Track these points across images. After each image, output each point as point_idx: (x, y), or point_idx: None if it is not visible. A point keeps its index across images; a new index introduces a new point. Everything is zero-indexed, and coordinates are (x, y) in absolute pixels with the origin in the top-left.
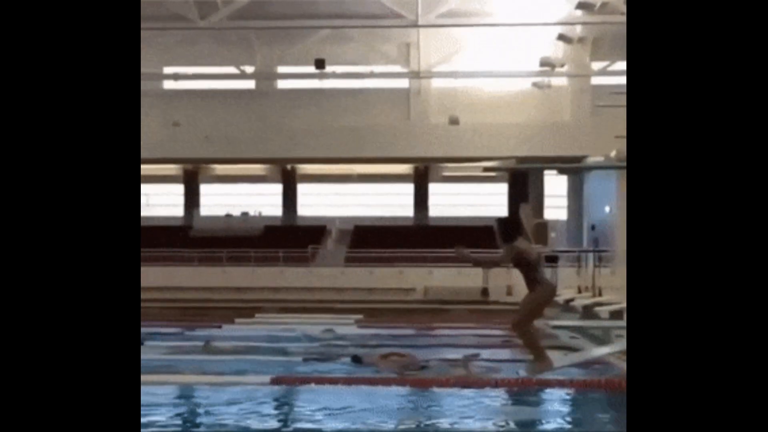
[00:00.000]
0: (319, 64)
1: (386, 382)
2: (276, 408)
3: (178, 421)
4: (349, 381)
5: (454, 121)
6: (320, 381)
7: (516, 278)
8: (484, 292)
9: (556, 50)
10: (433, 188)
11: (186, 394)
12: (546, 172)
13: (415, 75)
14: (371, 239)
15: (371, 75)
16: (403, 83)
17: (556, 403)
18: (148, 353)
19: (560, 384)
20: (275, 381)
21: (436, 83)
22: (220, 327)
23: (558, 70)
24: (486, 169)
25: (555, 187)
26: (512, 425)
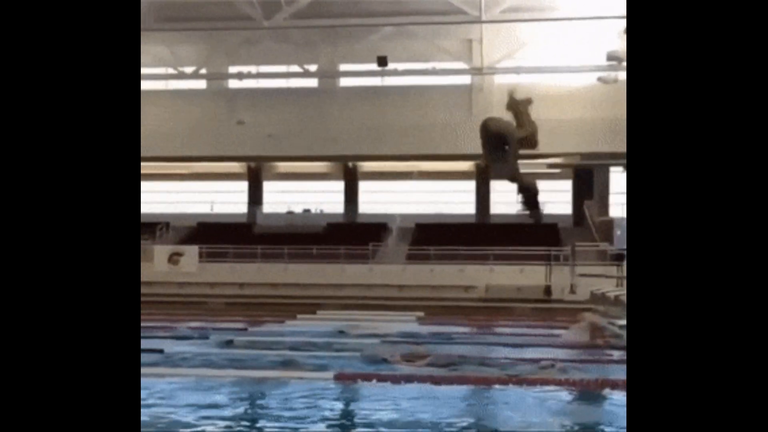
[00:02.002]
0: (382, 61)
1: (449, 380)
2: (338, 404)
3: (241, 418)
4: (410, 378)
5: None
6: (382, 378)
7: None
8: (547, 290)
9: (623, 44)
10: (495, 185)
11: (250, 389)
12: (611, 168)
13: (477, 71)
14: (432, 236)
15: (433, 72)
16: (466, 79)
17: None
18: (211, 347)
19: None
20: (338, 377)
21: (499, 79)
22: (282, 323)
23: (624, 64)
24: (550, 166)
25: (621, 184)
26: (576, 427)
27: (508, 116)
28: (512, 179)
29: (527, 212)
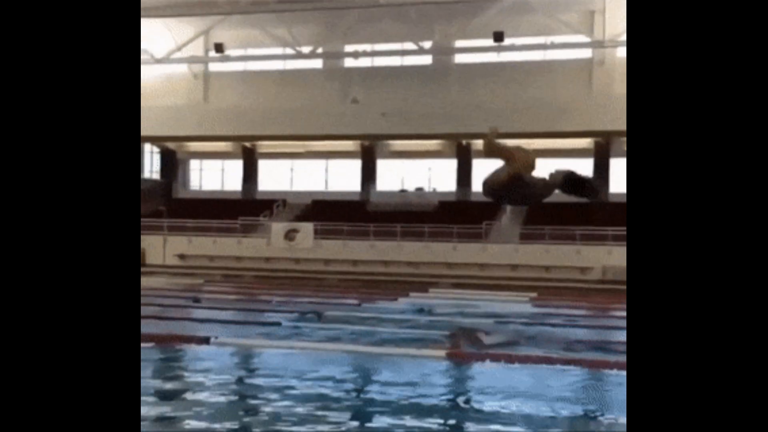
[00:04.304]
0: (498, 36)
1: (565, 361)
2: (449, 382)
3: (353, 395)
4: (525, 359)
5: None
6: (495, 357)
7: None
8: None
9: None
10: (615, 163)
11: (361, 365)
12: None
13: (599, 44)
14: (547, 216)
15: (552, 46)
16: (586, 53)
17: None
18: (323, 323)
19: None
20: (450, 355)
21: (622, 52)
22: (394, 300)
23: None
24: None
25: None
26: None
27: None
28: (542, 195)
29: (586, 199)
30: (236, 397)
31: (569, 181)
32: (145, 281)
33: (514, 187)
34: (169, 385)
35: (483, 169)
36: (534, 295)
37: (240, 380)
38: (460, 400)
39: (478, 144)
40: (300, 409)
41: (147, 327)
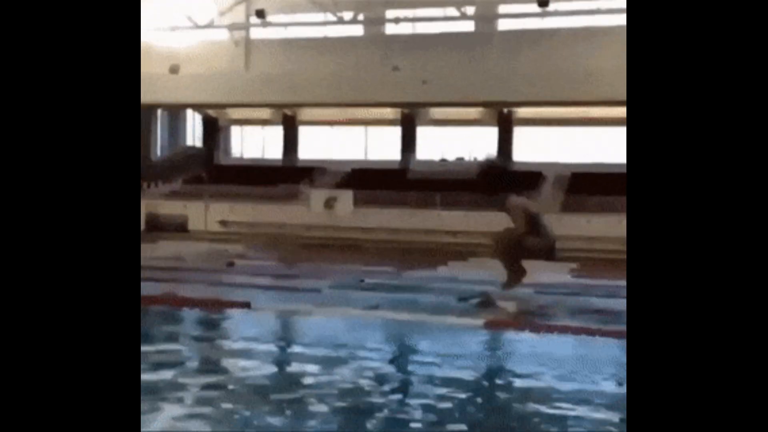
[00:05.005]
0: (543, 2)
1: (604, 333)
2: (486, 351)
3: (390, 362)
4: (564, 330)
5: None
6: (535, 328)
7: None
8: None
9: None
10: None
11: (399, 332)
12: None
13: None
14: (589, 186)
15: (597, 11)
16: None
17: None
18: (364, 290)
19: None
20: (488, 324)
21: None
22: (434, 269)
23: None
24: None
25: None
26: None
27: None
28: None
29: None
30: (274, 364)
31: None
32: (188, 246)
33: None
34: (208, 349)
35: (524, 137)
36: (574, 266)
37: (278, 346)
38: (496, 369)
39: (520, 112)
40: (337, 378)
41: (188, 291)
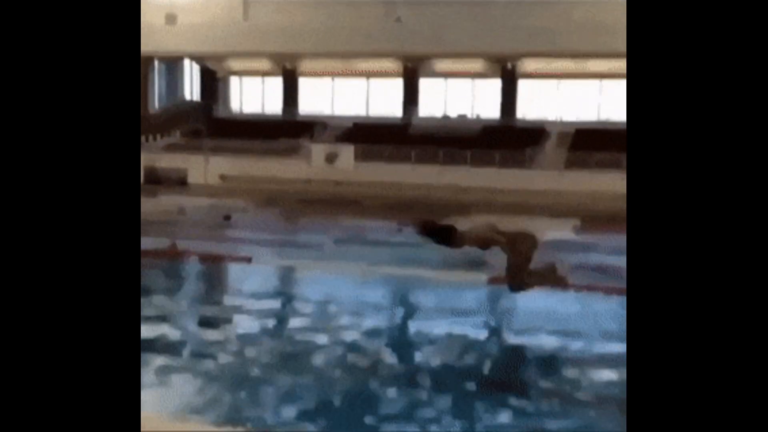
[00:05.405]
0: None
1: (606, 290)
2: (488, 307)
3: (390, 318)
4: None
5: None
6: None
7: None
8: None
9: None
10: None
11: (400, 288)
12: None
13: None
14: (593, 143)
15: None
16: None
17: None
18: (364, 245)
19: None
20: (492, 280)
21: None
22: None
23: None
24: None
25: None
26: None
27: None
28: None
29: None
30: (274, 318)
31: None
32: (188, 201)
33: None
34: (209, 305)
35: (528, 93)
36: (577, 222)
37: (279, 300)
38: (499, 324)
39: (524, 65)
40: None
41: (191, 245)
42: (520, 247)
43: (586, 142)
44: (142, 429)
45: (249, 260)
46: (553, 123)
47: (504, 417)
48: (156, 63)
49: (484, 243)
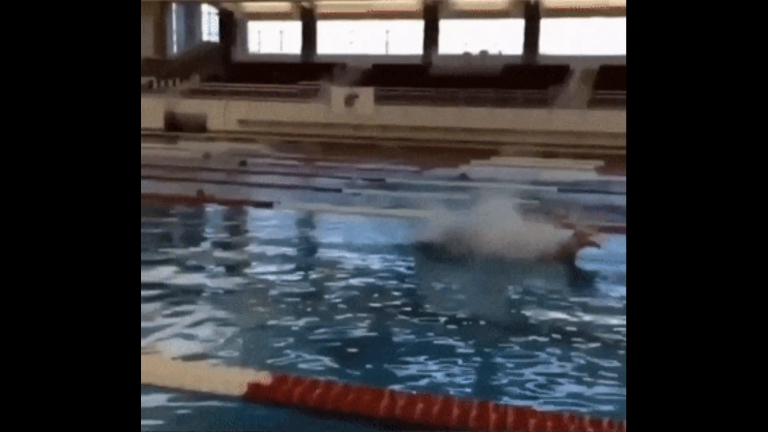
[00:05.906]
0: None
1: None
2: None
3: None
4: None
5: None
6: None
7: None
8: None
9: None
10: None
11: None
12: None
13: None
14: (619, 80)
15: None
16: None
17: None
18: (382, 189)
19: None
20: None
21: None
22: (456, 167)
23: None
24: None
25: None
26: None
27: None
28: None
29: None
30: (293, 263)
31: None
32: (208, 146)
33: None
34: (232, 247)
35: (552, 29)
36: (601, 164)
37: (300, 245)
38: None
39: (548, 2)
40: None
41: (211, 189)
42: None
43: (612, 80)
44: (159, 373)
45: (270, 205)
46: (578, 59)
47: None
48: (174, 6)
49: None
